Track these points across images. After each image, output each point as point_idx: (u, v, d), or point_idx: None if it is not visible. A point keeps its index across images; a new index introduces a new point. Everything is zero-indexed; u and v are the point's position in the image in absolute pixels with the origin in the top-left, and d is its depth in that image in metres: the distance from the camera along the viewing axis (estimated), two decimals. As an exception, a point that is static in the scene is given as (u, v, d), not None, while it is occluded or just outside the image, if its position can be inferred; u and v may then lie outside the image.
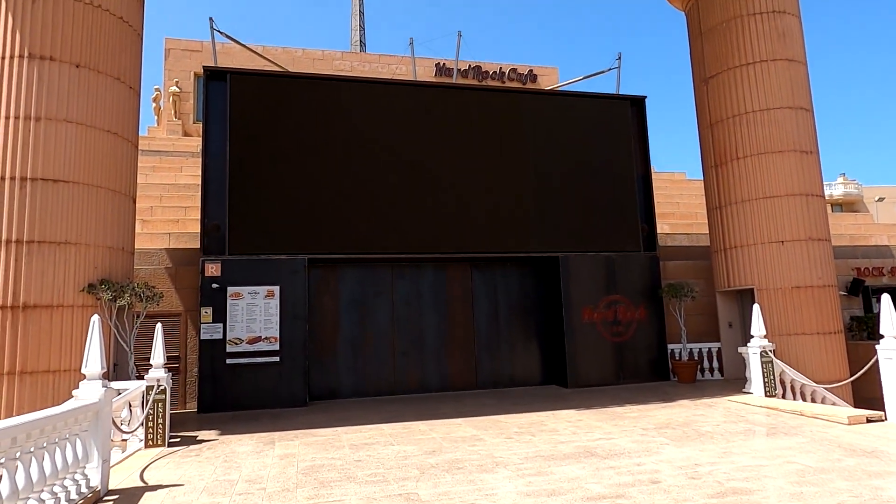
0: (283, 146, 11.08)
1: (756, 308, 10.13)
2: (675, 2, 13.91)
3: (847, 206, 42.40)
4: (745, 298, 12.45)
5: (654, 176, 14.55)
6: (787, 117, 11.69)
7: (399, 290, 11.95)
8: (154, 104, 22.40)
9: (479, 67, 24.79)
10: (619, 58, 14.89)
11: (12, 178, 8.12)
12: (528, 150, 12.38)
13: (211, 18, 12.98)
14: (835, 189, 42.64)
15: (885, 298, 7.54)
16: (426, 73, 23.91)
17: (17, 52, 8.38)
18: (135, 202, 9.62)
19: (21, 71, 8.35)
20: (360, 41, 37.71)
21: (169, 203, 14.70)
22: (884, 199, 39.88)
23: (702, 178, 13.52)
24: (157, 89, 22.44)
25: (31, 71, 8.36)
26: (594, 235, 12.44)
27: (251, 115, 11.04)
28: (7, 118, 8.23)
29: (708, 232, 13.20)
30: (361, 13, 38.52)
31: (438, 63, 24.37)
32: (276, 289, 10.57)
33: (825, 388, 10.11)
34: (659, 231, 14.27)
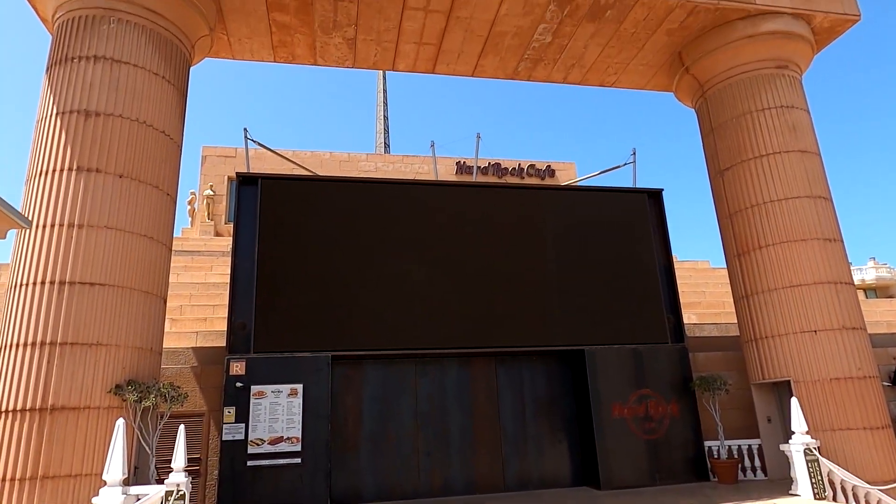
0: (309, 245, 11.44)
1: (794, 402, 9.72)
2: (685, 99, 14.51)
3: (881, 290, 41.27)
4: (782, 391, 11.95)
5: (677, 265, 14.56)
6: (807, 206, 11.75)
7: (422, 387, 11.78)
8: (189, 207, 23.53)
9: (498, 164, 25.71)
10: (634, 153, 15.39)
11: (52, 283, 8.48)
12: (550, 244, 12.55)
13: (245, 129, 13.90)
14: (866, 274, 41.76)
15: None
16: (447, 171, 24.86)
17: (66, 166, 9.03)
18: (165, 302, 9.90)
19: (69, 182, 8.95)
20: (385, 143, 39.69)
21: (198, 301, 15.04)
22: (919, 282, 38.82)
23: (726, 266, 13.43)
24: (192, 193, 23.66)
25: (78, 182, 8.95)
26: (619, 327, 12.28)
27: (280, 216, 11.51)
28: (52, 226, 8.73)
29: (737, 321, 12.93)
30: (386, 118, 40.84)
31: (459, 161, 25.37)
32: (300, 387, 10.52)
33: (879, 490, 9.43)
34: (686, 321, 14.03)
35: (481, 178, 24.65)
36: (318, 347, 10.84)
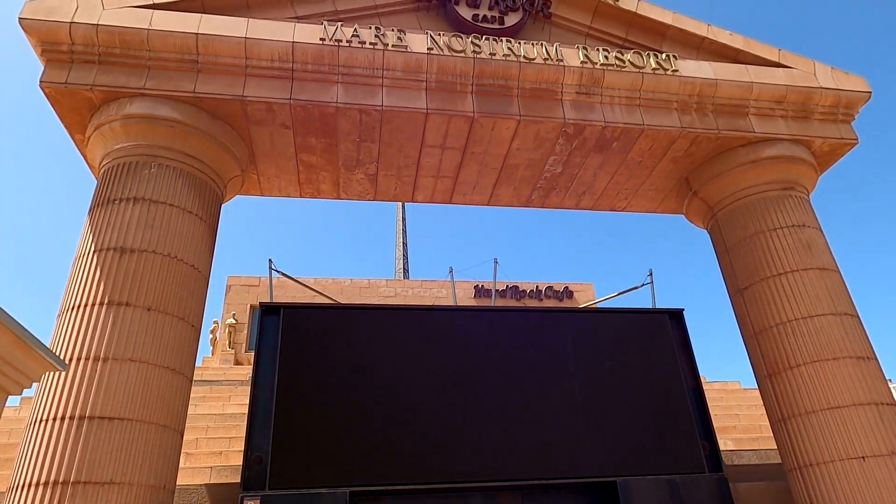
0: (329, 373, 11.34)
1: (852, 539, 8.89)
2: (696, 221, 14.84)
3: (928, 409, 38.92)
4: (837, 526, 10.95)
5: (706, 386, 14.04)
6: (833, 324, 11.52)
7: (445, 526, 11.01)
8: (211, 335, 23.76)
9: (516, 287, 25.95)
10: (651, 273, 15.55)
11: (71, 418, 8.42)
12: (572, 368, 12.29)
13: (270, 260, 14.47)
14: (909, 391, 39.66)
15: None
16: (465, 295, 25.10)
17: (98, 300, 9.34)
18: (182, 436, 9.70)
19: (99, 316, 9.20)
20: (404, 268, 40.61)
21: (214, 434, 14.70)
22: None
23: (757, 387, 12.93)
24: (215, 322, 24.00)
25: (108, 315, 9.19)
26: (651, 456, 11.62)
27: (301, 344, 11.55)
28: (79, 360, 8.85)
29: (776, 447, 12.20)
30: (405, 244, 42.15)
31: (477, 285, 25.69)
32: (315, 528, 9.91)
33: None
34: (722, 448, 13.24)
35: (499, 302, 24.77)
36: (335, 482, 10.34)
